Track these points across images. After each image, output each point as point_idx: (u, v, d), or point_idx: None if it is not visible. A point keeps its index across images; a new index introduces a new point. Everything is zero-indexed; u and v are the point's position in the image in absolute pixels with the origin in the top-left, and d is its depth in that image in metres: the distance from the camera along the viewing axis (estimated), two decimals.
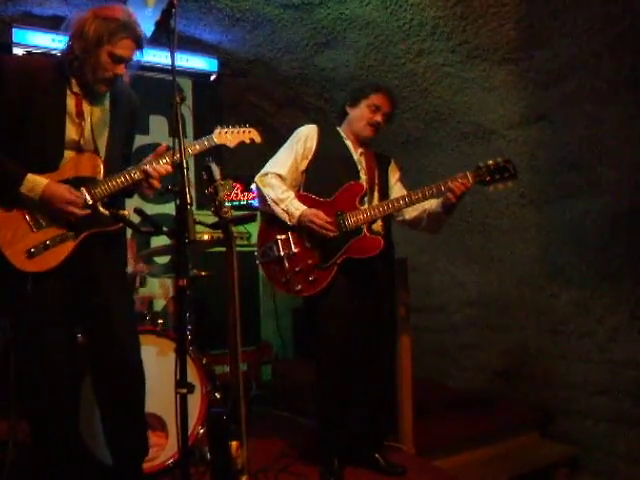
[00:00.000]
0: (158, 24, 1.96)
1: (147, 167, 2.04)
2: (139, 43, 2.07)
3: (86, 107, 2.06)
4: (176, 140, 1.71)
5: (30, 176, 1.93)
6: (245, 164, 5.08)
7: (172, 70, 1.77)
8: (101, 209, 2.02)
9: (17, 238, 1.93)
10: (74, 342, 2.17)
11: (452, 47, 3.45)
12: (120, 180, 2.03)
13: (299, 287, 2.59)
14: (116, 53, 1.99)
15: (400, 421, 3.03)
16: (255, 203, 4.62)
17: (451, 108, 3.83)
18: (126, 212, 2.07)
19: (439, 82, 3.73)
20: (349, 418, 2.66)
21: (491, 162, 2.49)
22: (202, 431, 2.70)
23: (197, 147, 2.16)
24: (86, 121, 2.04)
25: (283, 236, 2.62)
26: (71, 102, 2.02)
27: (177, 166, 1.64)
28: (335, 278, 2.56)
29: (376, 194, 2.72)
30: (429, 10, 3.31)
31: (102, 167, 2.05)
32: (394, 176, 2.87)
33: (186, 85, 4.35)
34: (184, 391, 1.57)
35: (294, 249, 2.60)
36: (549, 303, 3.88)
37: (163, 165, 2.06)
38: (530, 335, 4.02)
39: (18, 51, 3.70)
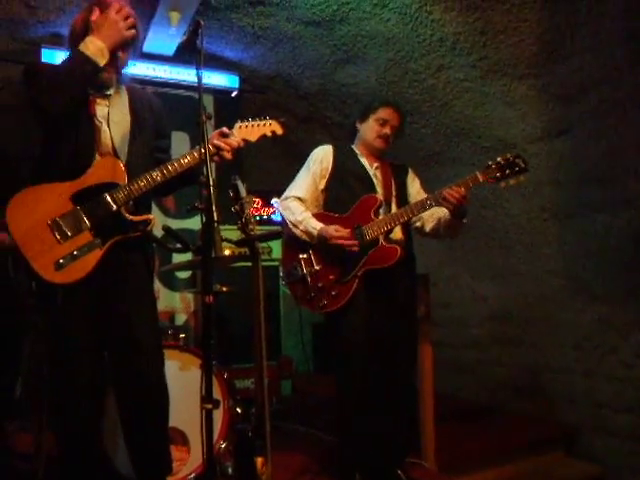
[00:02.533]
0: (185, 44, 2.00)
1: (216, 142, 2.06)
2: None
3: (102, 110, 2.07)
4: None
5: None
6: (265, 179, 5.15)
7: (199, 90, 1.80)
8: (125, 215, 2.01)
9: (45, 250, 1.92)
10: (101, 355, 2.16)
11: (472, 62, 3.47)
12: (142, 183, 2.00)
13: (323, 303, 2.63)
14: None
15: (422, 437, 3.00)
16: (275, 218, 4.66)
17: (472, 123, 3.83)
18: (151, 216, 2.06)
19: (459, 97, 3.74)
20: (370, 434, 2.64)
21: (500, 158, 2.51)
22: (224, 446, 2.70)
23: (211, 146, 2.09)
24: (102, 122, 2.05)
25: (305, 255, 2.69)
26: (91, 105, 2.05)
27: (204, 183, 1.66)
28: (357, 292, 2.58)
29: (394, 206, 2.74)
30: (449, 26, 3.33)
31: (125, 171, 2.02)
32: (414, 185, 2.89)
33: (208, 101, 4.41)
34: (210, 406, 1.58)
35: (316, 267, 2.66)
36: (572, 318, 3.83)
37: (235, 139, 2.10)
38: (552, 351, 3.97)
39: None
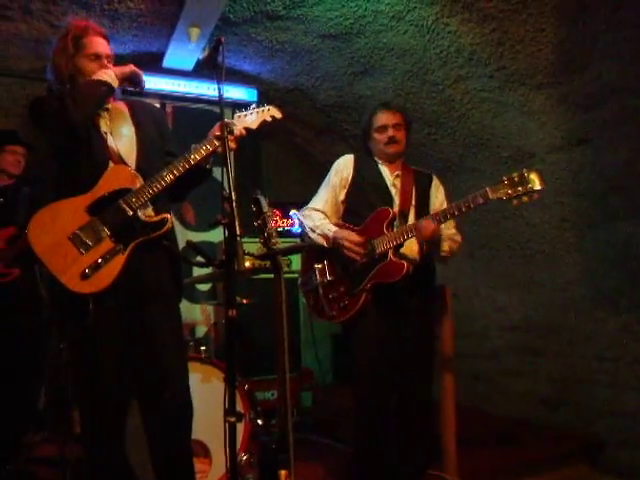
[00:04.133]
0: (205, 60, 2.05)
1: (218, 133, 2.09)
2: (106, 37, 2.23)
3: (104, 123, 2.14)
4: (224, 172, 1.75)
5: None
6: (283, 191, 5.18)
7: (220, 107, 1.83)
8: (142, 217, 2.04)
9: (69, 264, 1.96)
10: (126, 365, 2.17)
11: (490, 72, 3.47)
12: (154, 185, 2.04)
13: (332, 313, 2.65)
14: (92, 53, 2.14)
15: (444, 450, 2.98)
16: (295, 230, 4.68)
17: (490, 133, 3.83)
18: (168, 215, 2.09)
19: (477, 107, 3.74)
20: (385, 449, 2.62)
21: (515, 174, 2.41)
22: (245, 458, 2.71)
23: (218, 143, 2.13)
24: (107, 135, 2.12)
25: (320, 265, 2.71)
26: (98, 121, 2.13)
27: (226, 198, 1.67)
28: (365, 305, 2.58)
29: (411, 216, 2.70)
30: (466, 37, 3.34)
31: (135, 175, 2.08)
32: (437, 195, 2.83)
33: (227, 115, 4.40)
34: (233, 419, 1.59)
35: (329, 277, 2.68)
36: (595, 328, 3.78)
37: (237, 128, 2.16)
38: (575, 361, 3.92)
39: None
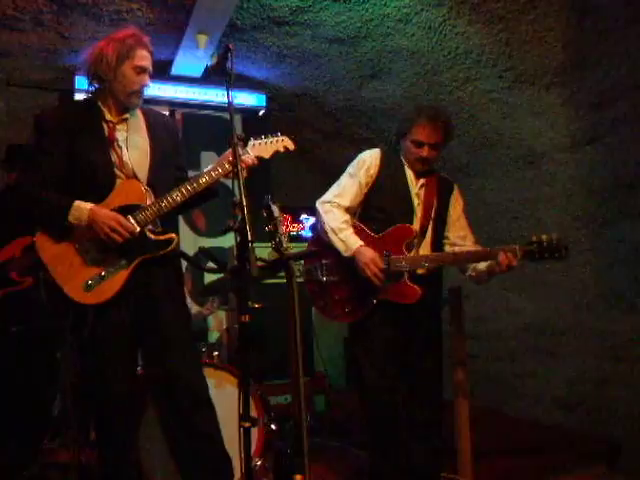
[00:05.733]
0: (214, 67, 2.06)
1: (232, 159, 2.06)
2: (151, 51, 2.22)
3: (121, 134, 2.16)
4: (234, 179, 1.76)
5: (77, 203, 2.01)
6: (293, 195, 5.19)
7: (230, 113, 1.83)
8: (149, 235, 2.08)
9: (73, 272, 2.01)
10: (135, 373, 2.21)
11: (498, 73, 3.46)
12: (163, 204, 2.07)
13: (336, 314, 2.61)
14: (138, 65, 2.13)
15: (458, 452, 2.96)
16: (305, 234, 4.68)
17: (499, 134, 3.82)
18: (174, 235, 2.11)
19: (486, 108, 3.73)
20: (398, 453, 2.60)
21: (545, 238, 2.42)
22: (259, 463, 2.71)
23: (231, 163, 2.09)
24: (122, 147, 2.14)
25: (327, 261, 2.60)
26: (106, 132, 2.14)
27: (238, 204, 1.68)
28: (370, 314, 2.55)
29: (429, 231, 2.63)
30: (474, 38, 3.34)
31: (147, 192, 2.11)
32: (456, 208, 2.73)
33: (236, 120, 4.48)
34: (247, 424, 1.59)
35: (335, 277, 2.60)
36: (608, 328, 3.75)
37: (249, 157, 2.15)
38: (591, 362, 3.88)
39: (79, 96, 3.92)
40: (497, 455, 3.37)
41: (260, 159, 2.23)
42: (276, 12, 3.54)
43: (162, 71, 4.13)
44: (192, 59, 3.98)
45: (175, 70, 4.15)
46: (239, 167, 1.76)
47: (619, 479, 3.53)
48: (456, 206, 2.73)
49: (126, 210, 2.06)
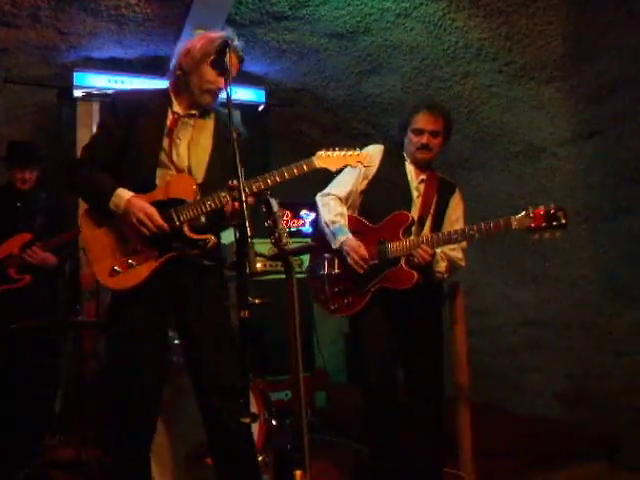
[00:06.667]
0: (212, 62, 2.05)
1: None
2: (241, 62, 2.17)
3: (185, 128, 2.14)
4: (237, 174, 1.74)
5: (119, 190, 2.01)
6: (293, 191, 5.16)
7: (228, 109, 1.83)
8: (187, 232, 2.04)
9: (105, 255, 2.03)
10: (159, 370, 2.15)
11: (498, 67, 3.45)
12: (208, 203, 2.02)
13: (334, 306, 2.64)
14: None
15: (459, 448, 2.96)
16: (305, 230, 4.68)
17: (499, 128, 3.81)
18: (210, 236, 2.06)
19: (486, 103, 3.72)
20: (399, 448, 2.62)
21: (542, 208, 2.37)
22: (260, 458, 2.71)
23: (295, 171, 2.09)
24: (182, 140, 2.11)
25: (329, 255, 2.67)
26: (168, 121, 2.12)
27: (236, 200, 1.68)
28: (369, 305, 2.57)
29: (427, 224, 2.66)
30: (474, 32, 3.32)
31: (197, 189, 2.07)
32: (455, 210, 2.75)
33: (235, 116, 4.46)
34: (248, 420, 1.59)
35: (336, 270, 2.65)
36: (611, 323, 3.75)
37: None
38: (592, 357, 3.88)
39: (78, 93, 3.92)
40: (498, 450, 3.37)
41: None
42: (275, 7, 3.52)
43: (162, 67, 4.11)
44: None
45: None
46: (238, 163, 1.74)
47: (620, 474, 3.53)
48: (456, 208, 2.76)
49: (172, 203, 2.03)
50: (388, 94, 4.11)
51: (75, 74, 3.90)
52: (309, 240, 3.98)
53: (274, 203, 1.72)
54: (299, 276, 4.16)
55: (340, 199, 2.69)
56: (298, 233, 4.75)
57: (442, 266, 2.61)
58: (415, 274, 2.50)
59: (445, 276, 2.66)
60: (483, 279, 4.54)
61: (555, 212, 2.34)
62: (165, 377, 2.16)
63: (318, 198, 2.76)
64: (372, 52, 3.81)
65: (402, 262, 2.53)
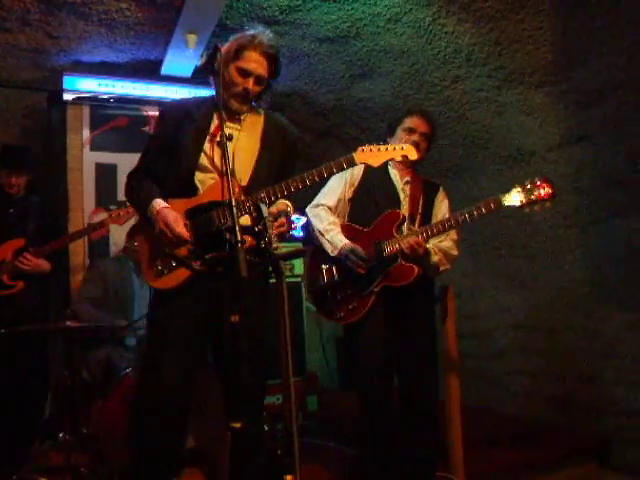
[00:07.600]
0: (202, 67, 2.05)
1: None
2: (269, 58, 2.12)
3: (232, 132, 2.10)
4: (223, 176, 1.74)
5: (154, 201, 2.04)
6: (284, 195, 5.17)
7: (219, 113, 1.83)
8: (225, 233, 1.96)
9: (151, 256, 2.09)
10: (191, 374, 2.12)
11: (488, 72, 3.47)
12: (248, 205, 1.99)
13: (340, 315, 2.65)
14: (242, 67, 2.08)
15: (450, 451, 2.97)
16: (296, 234, 4.67)
17: (489, 133, 3.83)
18: (248, 238, 1.95)
19: (476, 107, 3.74)
20: (392, 451, 2.62)
21: (528, 182, 2.44)
22: None
23: (334, 169, 2.04)
24: (225, 143, 2.03)
25: (327, 265, 2.69)
26: (213, 126, 2.11)
27: (228, 203, 1.67)
28: (374, 307, 2.59)
29: (418, 221, 2.71)
30: (464, 37, 3.35)
31: (240, 192, 2.02)
32: (441, 207, 2.82)
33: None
34: (238, 425, 1.59)
35: (336, 278, 2.67)
36: (600, 326, 3.77)
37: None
38: (580, 360, 3.90)
39: (68, 97, 3.90)
40: (489, 453, 3.38)
41: (367, 166, 2.10)
42: (266, 11, 3.53)
43: (152, 71, 4.11)
44: (182, 59, 3.96)
45: (165, 70, 4.12)
46: (227, 166, 1.74)
47: (609, 475, 3.55)
48: (441, 206, 2.83)
49: (213, 206, 2.02)
50: (379, 98, 4.12)
51: (65, 78, 3.88)
52: (300, 244, 3.98)
53: (264, 208, 1.72)
54: (289, 280, 4.17)
55: (330, 208, 2.75)
56: (290, 237, 4.74)
57: (436, 258, 2.65)
58: (415, 267, 2.54)
59: (442, 268, 2.69)
60: (473, 283, 4.56)
61: (542, 183, 2.41)
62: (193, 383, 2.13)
63: (309, 210, 2.81)
64: (363, 57, 3.82)
65: (400, 258, 2.57)
